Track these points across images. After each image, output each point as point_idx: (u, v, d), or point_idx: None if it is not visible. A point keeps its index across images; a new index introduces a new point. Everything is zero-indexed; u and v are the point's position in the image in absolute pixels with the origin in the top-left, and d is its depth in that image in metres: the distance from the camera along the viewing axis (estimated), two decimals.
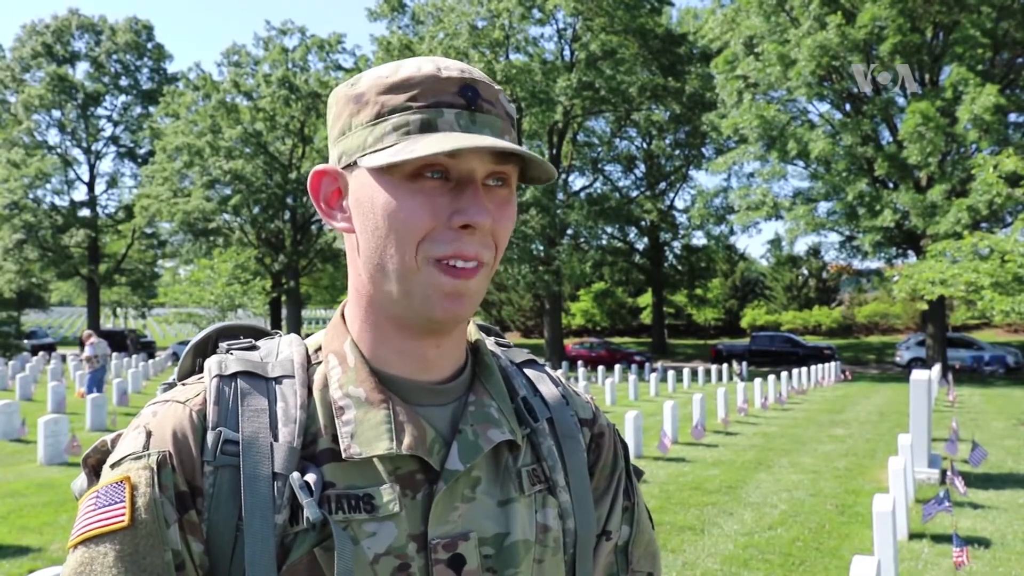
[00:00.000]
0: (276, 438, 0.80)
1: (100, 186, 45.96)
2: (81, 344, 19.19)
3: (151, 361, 28.02)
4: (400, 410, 0.83)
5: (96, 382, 15.69)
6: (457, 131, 0.80)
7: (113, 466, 0.79)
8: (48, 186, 43.05)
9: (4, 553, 6.09)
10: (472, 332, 0.96)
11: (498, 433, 0.87)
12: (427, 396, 0.87)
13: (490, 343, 1.00)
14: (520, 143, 0.89)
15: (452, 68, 0.83)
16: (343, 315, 0.91)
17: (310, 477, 0.78)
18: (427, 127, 0.79)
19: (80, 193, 46.17)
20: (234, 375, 0.84)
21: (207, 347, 0.95)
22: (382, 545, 0.79)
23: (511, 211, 0.85)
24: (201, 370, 0.91)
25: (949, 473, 7.06)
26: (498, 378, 0.92)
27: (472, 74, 0.83)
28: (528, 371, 1.00)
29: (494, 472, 0.88)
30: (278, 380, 0.85)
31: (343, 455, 0.80)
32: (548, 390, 0.98)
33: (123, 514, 0.75)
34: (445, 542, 0.82)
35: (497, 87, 0.85)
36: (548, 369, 1.03)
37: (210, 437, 0.79)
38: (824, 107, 29.36)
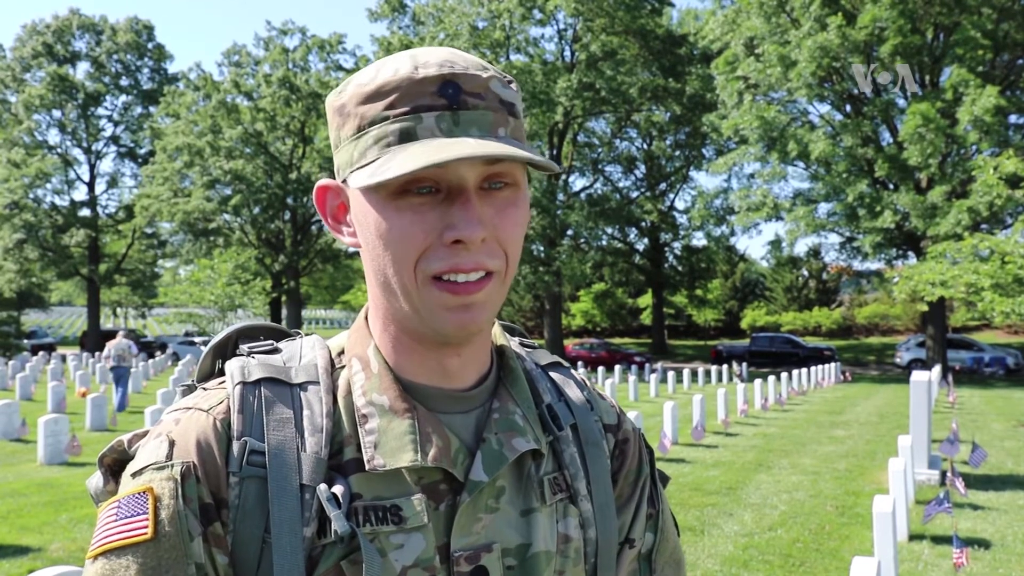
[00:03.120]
0: (303, 448, 0.78)
1: (100, 186, 45.99)
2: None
3: (151, 361, 28.01)
4: (424, 419, 0.81)
5: (116, 380, 15.78)
6: (438, 136, 0.74)
7: (134, 475, 0.77)
8: (48, 186, 43.00)
9: (4, 553, 6.09)
10: (497, 335, 0.93)
11: (523, 442, 0.85)
12: (451, 403, 0.85)
13: (515, 344, 0.98)
14: (523, 129, 0.84)
15: (430, 64, 0.77)
16: (366, 319, 0.89)
17: (337, 488, 0.76)
18: (406, 136, 0.75)
19: (80, 193, 46.18)
20: (258, 382, 0.82)
21: (227, 348, 0.93)
22: (410, 557, 0.77)
23: (516, 214, 0.80)
24: (221, 372, 0.89)
25: (949, 474, 7.06)
26: (523, 383, 0.90)
27: (453, 67, 0.77)
28: (553, 374, 0.97)
29: (517, 481, 0.86)
30: (303, 386, 0.83)
31: (366, 466, 0.79)
32: (573, 394, 0.96)
33: (146, 526, 0.73)
34: (468, 554, 0.80)
35: (487, 74, 0.78)
36: (574, 372, 1.00)
37: (236, 447, 0.77)
38: (824, 108, 29.40)
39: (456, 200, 0.76)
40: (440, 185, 0.76)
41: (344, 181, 0.82)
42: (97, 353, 32.40)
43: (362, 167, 0.77)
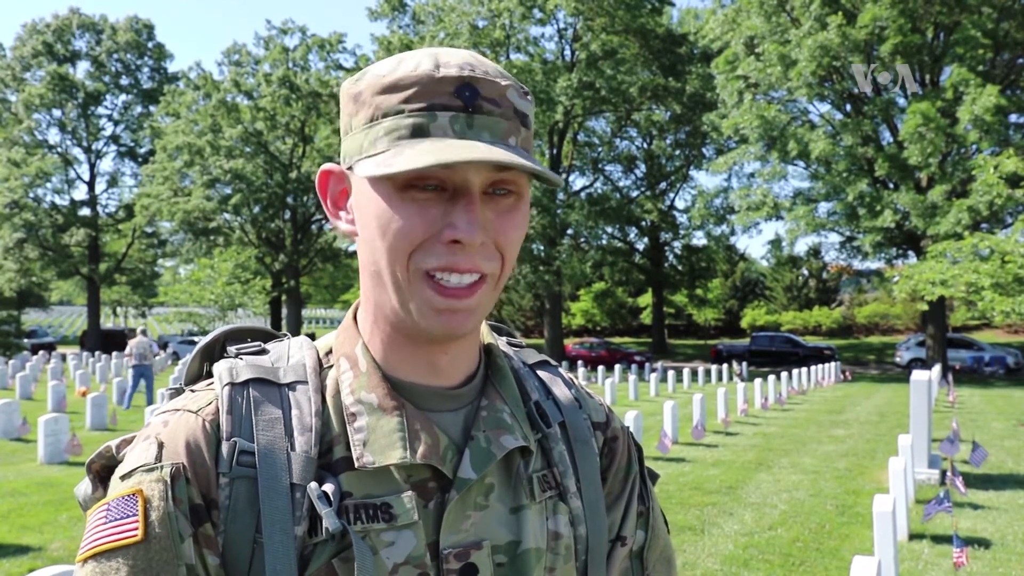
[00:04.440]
0: (292, 447, 0.79)
1: (100, 185, 45.88)
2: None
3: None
4: (413, 417, 0.82)
5: (135, 377, 16.20)
6: (450, 136, 0.75)
7: (123, 478, 0.77)
8: (48, 185, 43.01)
9: (4, 552, 6.09)
10: (485, 334, 0.94)
11: (511, 439, 0.85)
12: (439, 401, 0.85)
13: (502, 343, 0.98)
14: (532, 141, 0.83)
15: (451, 65, 0.77)
16: (355, 317, 0.89)
17: (328, 487, 0.77)
18: (419, 132, 0.76)
19: (80, 192, 46.28)
20: (246, 383, 0.82)
21: (214, 350, 0.92)
22: (401, 555, 0.78)
23: (517, 219, 0.80)
24: (208, 374, 0.89)
25: (949, 474, 7.06)
26: (511, 381, 0.91)
27: (474, 70, 0.78)
28: (541, 373, 0.98)
29: (506, 478, 0.86)
30: (291, 386, 0.83)
31: (355, 464, 0.79)
32: (561, 393, 0.96)
33: (136, 528, 0.73)
34: (456, 551, 0.80)
35: (506, 82, 0.79)
36: (561, 371, 1.01)
37: (225, 448, 0.77)
38: (825, 107, 29.40)
39: (460, 201, 0.76)
40: (446, 184, 0.77)
41: (350, 168, 0.82)
42: (97, 352, 32.43)
43: (371, 156, 0.77)
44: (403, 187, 0.76)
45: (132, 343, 16.43)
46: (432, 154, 0.72)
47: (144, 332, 17.09)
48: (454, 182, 0.77)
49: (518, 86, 0.81)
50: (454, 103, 0.76)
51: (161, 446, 0.77)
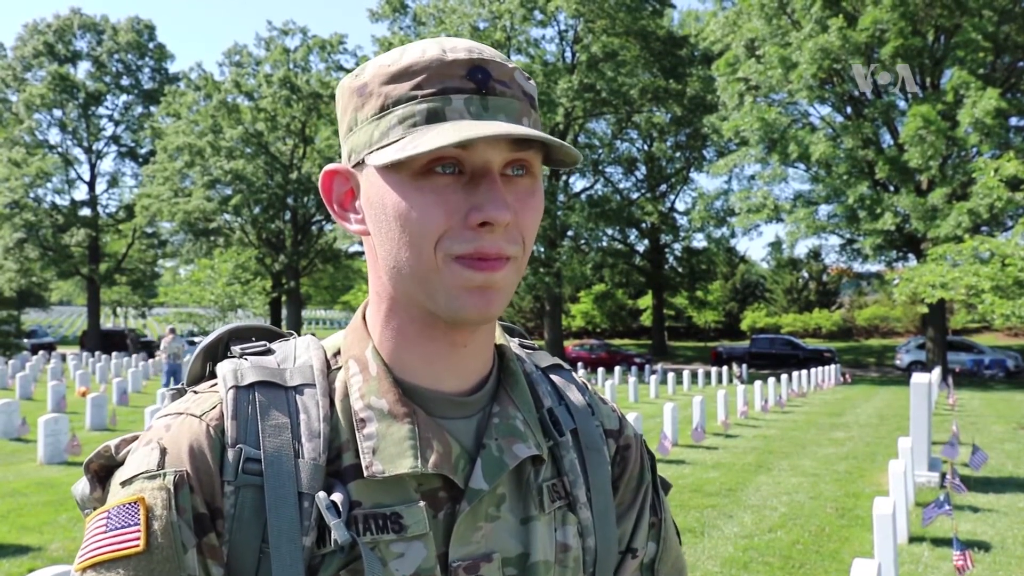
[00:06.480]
0: (300, 454, 0.76)
1: (101, 185, 45.89)
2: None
3: (151, 361, 28.00)
4: (424, 424, 0.79)
5: (167, 375, 17.57)
6: (467, 119, 0.73)
7: (124, 484, 0.74)
8: (49, 185, 43.02)
9: (4, 552, 6.09)
10: (497, 335, 0.91)
11: (524, 448, 0.82)
12: (451, 408, 0.82)
13: (514, 345, 0.95)
14: (540, 124, 0.81)
15: (459, 49, 0.76)
16: (364, 318, 0.85)
17: (337, 496, 0.74)
18: (434, 117, 0.73)
19: (81, 192, 46.24)
20: (251, 385, 0.78)
21: (218, 350, 0.89)
22: (410, 567, 0.75)
23: (535, 202, 0.78)
24: (212, 375, 0.85)
25: (949, 476, 7.06)
26: (523, 387, 0.88)
27: (482, 53, 0.76)
28: (554, 377, 0.95)
29: (517, 488, 0.83)
30: (298, 389, 0.80)
31: (364, 473, 0.76)
32: (575, 398, 0.93)
33: (138, 538, 0.70)
34: (467, 564, 0.78)
35: (512, 65, 0.78)
36: (575, 375, 0.98)
37: (230, 455, 0.74)
38: (825, 110, 29.41)
39: (481, 182, 0.74)
40: (464, 167, 0.75)
41: (357, 164, 0.79)
42: (97, 352, 32.40)
43: (385, 146, 0.75)
44: (420, 174, 0.74)
45: (165, 342, 17.68)
46: (455, 132, 0.70)
47: (172, 331, 17.88)
48: (473, 164, 0.74)
49: (521, 70, 0.80)
50: (467, 86, 0.75)
51: (164, 452, 0.74)
